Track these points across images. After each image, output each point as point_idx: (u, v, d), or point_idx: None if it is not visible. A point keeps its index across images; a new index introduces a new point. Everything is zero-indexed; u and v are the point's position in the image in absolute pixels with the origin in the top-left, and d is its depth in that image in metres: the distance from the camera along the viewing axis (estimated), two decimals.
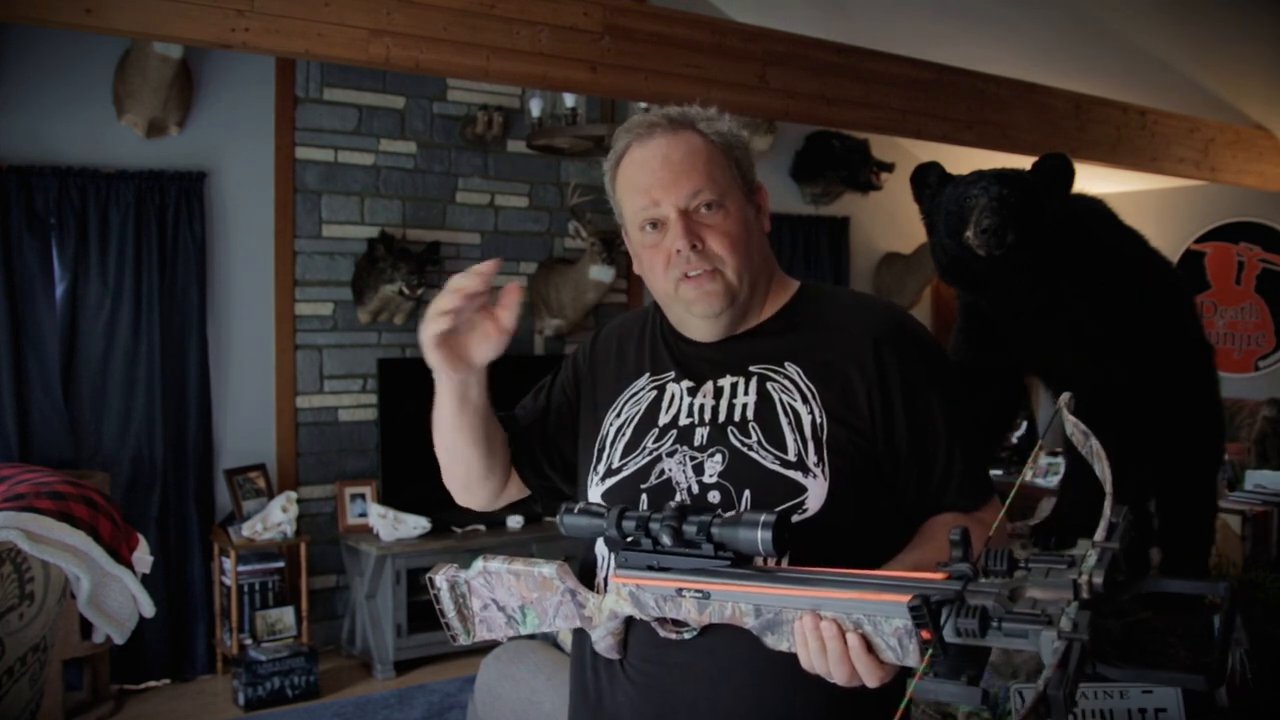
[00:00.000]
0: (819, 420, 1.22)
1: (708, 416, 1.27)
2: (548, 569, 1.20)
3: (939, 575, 0.93)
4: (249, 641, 4.24)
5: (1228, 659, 0.83)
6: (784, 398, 1.25)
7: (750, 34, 3.63)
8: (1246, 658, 2.10)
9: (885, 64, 3.96)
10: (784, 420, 1.23)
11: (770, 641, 1.03)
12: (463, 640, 1.27)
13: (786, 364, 1.27)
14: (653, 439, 1.29)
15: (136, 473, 4.26)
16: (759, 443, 1.22)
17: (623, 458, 1.30)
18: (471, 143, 5.06)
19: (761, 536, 1.03)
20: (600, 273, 4.90)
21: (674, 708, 1.22)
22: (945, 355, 1.35)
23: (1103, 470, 0.94)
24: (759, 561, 1.10)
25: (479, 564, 1.24)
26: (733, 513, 1.09)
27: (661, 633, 1.19)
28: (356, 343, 4.82)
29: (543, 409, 1.44)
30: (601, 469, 1.31)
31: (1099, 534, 0.88)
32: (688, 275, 1.25)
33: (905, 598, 0.92)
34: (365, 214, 4.83)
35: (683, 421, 1.28)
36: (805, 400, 1.24)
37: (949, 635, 0.87)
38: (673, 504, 1.11)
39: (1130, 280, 2.20)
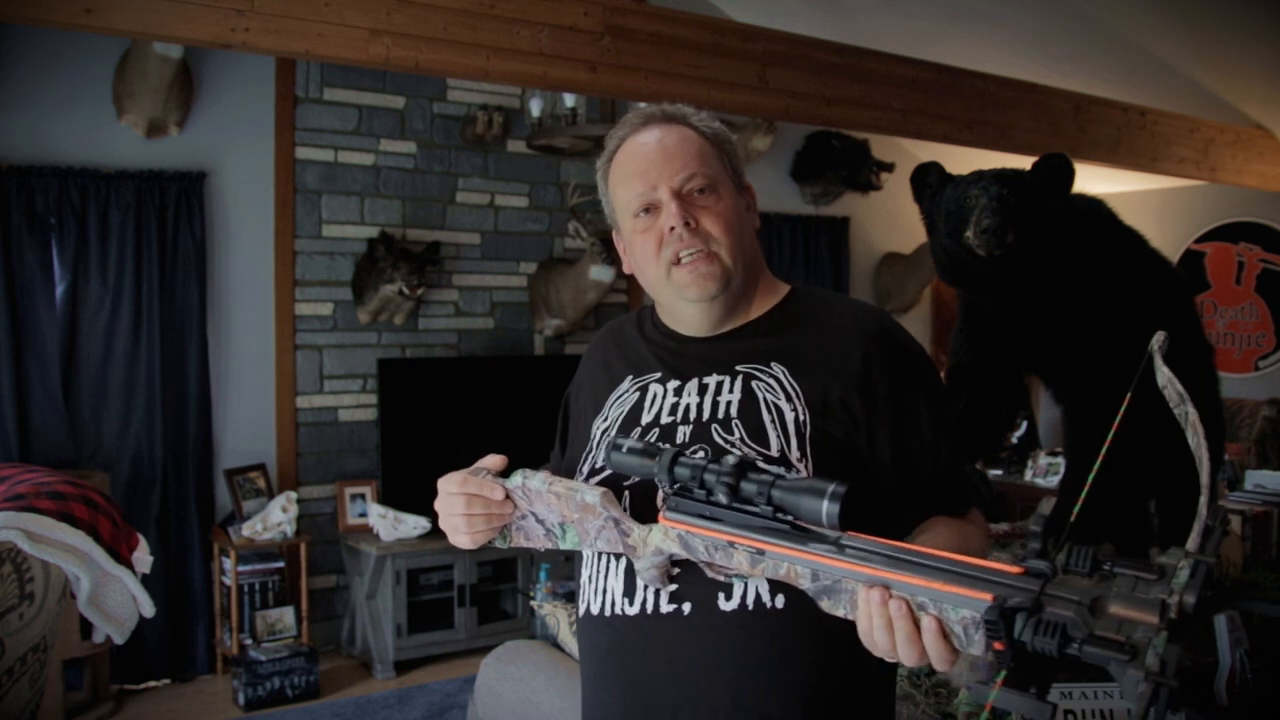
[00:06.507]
0: (802, 417, 1.22)
1: (692, 415, 1.27)
2: (590, 495, 1.15)
3: (1015, 569, 0.86)
4: (249, 641, 4.24)
5: None
6: (768, 396, 1.25)
7: (750, 34, 3.63)
8: (1246, 658, 2.10)
9: (885, 64, 3.95)
10: (767, 416, 1.23)
11: (826, 606, 0.98)
12: (499, 544, 1.26)
13: (773, 364, 1.28)
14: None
15: (136, 473, 4.26)
16: (741, 439, 1.23)
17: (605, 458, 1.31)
18: (471, 143, 5.06)
19: (827, 509, 0.94)
20: (600, 273, 4.90)
21: (653, 692, 1.22)
22: (929, 360, 1.35)
23: (1198, 446, 0.83)
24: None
25: (518, 478, 1.21)
26: (799, 477, 1.03)
27: (709, 574, 1.15)
28: (356, 343, 4.82)
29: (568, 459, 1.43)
30: (586, 469, 1.32)
31: (1192, 541, 0.78)
32: (680, 259, 1.26)
33: (978, 593, 0.85)
34: (365, 214, 4.83)
35: (664, 420, 1.29)
36: (789, 399, 1.24)
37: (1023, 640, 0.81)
38: (732, 458, 1.06)
39: (1130, 280, 2.20)
